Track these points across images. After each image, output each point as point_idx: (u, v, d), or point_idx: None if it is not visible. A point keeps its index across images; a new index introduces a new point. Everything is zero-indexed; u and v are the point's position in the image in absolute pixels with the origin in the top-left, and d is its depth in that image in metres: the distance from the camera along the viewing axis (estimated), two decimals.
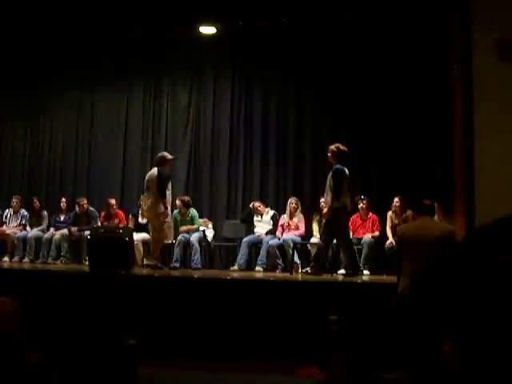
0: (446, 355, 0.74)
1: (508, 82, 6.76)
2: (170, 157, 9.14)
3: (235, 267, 9.68)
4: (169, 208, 8.80)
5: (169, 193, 8.78)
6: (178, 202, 10.08)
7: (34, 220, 10.99)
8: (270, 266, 9.56)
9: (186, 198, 10.25)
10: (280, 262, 9.55)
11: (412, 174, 10.29)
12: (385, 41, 10.25)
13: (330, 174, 8.18)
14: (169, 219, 8.87)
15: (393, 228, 9.27)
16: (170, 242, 9.45)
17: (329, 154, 8.31)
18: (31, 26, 9.48)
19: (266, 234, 9.78)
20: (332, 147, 8.28)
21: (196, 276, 8.04)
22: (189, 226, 10.02)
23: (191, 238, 9.76)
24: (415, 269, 5.21)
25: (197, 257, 9.62)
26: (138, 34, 10.33)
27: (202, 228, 10.16)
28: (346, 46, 10.54)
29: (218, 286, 7.39)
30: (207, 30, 10.46)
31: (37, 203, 11.03)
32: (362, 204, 9.55)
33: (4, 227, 10.96)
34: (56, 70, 12.21)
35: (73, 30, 9.56)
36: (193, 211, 10.17)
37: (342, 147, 8.24)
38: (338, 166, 8.11)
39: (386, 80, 10.30)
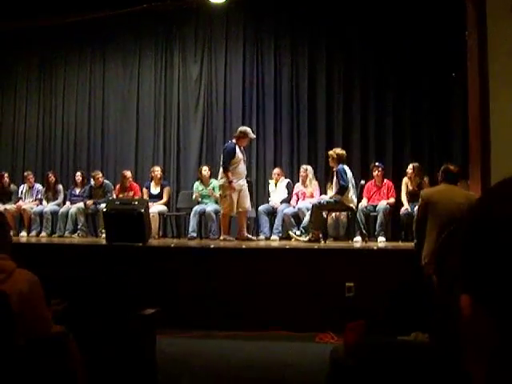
0: (463, 311, 0.73)
1: None
2: (251, 135, 9.22)
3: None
4: (235, 181, 8.79)
5: (237, 166, 8.81)
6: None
7: (50, 194, 11.04)
8: (285, 235, 9.56)
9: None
10: (295, 230, 9.54)
11: (427, 140, 10.27)
12: (401, 6, 10.10)
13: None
14: (230, 192, 8.81)
15: (408, 195, 9.23)
16: (234, 214, 9.27)
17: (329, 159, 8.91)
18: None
19: (281, 202, 9.77)
20: (331, 152, 8.88)
21: (212, 246, 8.08)
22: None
23: (207, 209, 9.76)
24: (438, 234, 5.21)
25: (213, 227, 9.64)
26: (148, 5, 10.22)
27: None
28: (358, 11, 10.40)
29: (235, 255, 7.43)
30: None
31: (52, 178, 11.06)
32: (376, 171, 9.48)
33: (20, 202, 11.04)
34: (67, 45, 12.20)
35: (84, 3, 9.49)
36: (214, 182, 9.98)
37: (339, 151, 8.83)
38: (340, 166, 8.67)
39: (402, 45, 10.18)
